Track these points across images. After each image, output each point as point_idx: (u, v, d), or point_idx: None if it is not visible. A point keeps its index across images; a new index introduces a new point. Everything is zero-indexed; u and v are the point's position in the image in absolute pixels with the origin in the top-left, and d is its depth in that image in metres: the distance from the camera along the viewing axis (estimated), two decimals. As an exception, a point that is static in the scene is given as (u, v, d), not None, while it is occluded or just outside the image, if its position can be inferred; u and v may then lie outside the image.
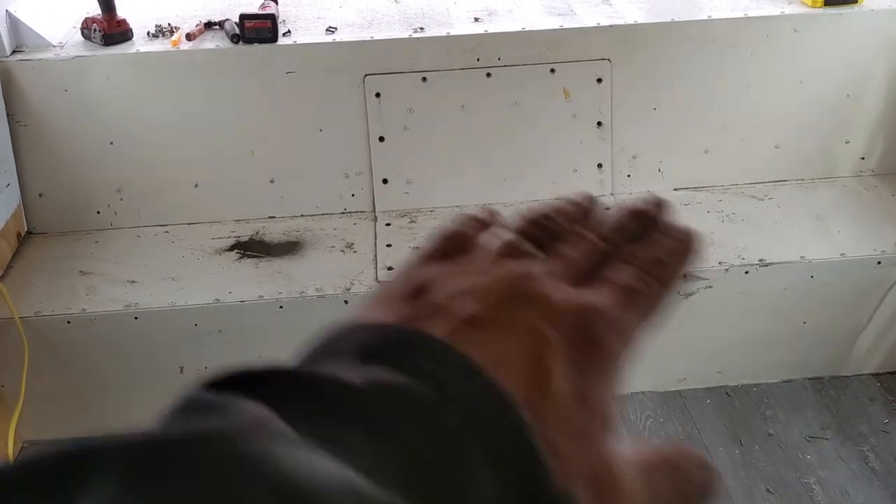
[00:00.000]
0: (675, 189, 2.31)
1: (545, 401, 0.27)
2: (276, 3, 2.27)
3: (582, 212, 0.36)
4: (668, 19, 2.19)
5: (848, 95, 2.27)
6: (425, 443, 0.24)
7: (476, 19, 2.24)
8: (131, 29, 2.17)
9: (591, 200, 0.37)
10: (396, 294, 0.32)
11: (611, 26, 2.17)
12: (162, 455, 0.19)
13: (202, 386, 0.24)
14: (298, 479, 0.20)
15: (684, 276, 0.34)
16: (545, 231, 0.34)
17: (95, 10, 2.15)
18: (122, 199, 2.21)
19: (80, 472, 0.19)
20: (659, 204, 0.36)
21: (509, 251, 0.33)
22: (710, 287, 2.01)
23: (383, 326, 0.29)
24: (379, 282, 1.98)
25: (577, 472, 0.27)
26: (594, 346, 0.29)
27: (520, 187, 2.26)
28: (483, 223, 0.36)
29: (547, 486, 0.25)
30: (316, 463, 0.21)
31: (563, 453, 0.26)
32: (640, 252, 0.33)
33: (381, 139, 2.21)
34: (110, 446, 0.19)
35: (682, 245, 0.34)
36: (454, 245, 0.34)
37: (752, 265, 2.01)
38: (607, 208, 0.36)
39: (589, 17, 2.22)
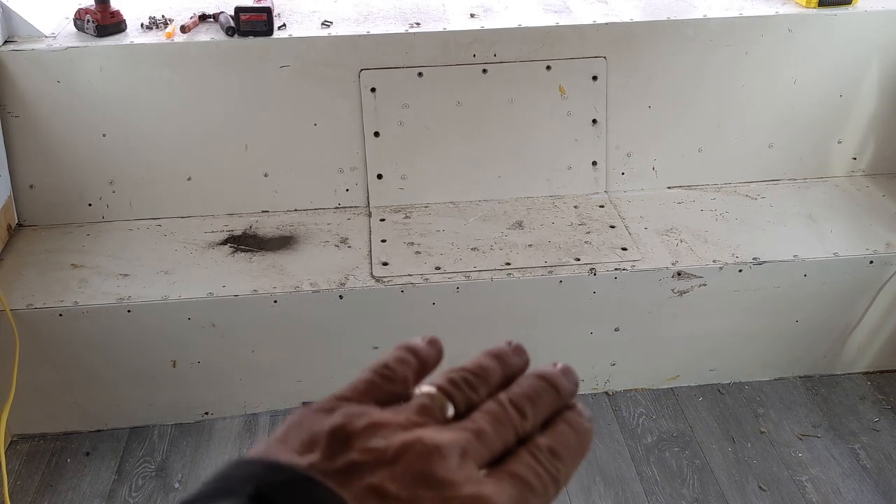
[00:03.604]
0: (669, 187, 2.31)
1: None
2: (272, -4, 2.26)
3: (504, 369, 0.38)
4: (664, 18, 2.20)
5: (841, 96, 2.28)
6: None
7: (472, 15, 2.24)
8: (125, 20, 2.15)
9: (519, 352, 0.39)
10: (312, 431, 0.32)
11: (607, 24, 2.17)
12: None
13: None
14: None
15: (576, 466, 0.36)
16: (467, 393, 0.36)
17: (89, 1, 2.13)
18: (114, 192, 2.19)
19: None
20: (568, 374, 0.38)
21: (429, 412, 0.34)
22: (704, 285, 2.02)
23: (289, 469, 0.28)
24: (374, 277, 1.98)
25: None
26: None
27: (514, 184, 2.26)
28: (417, 361, 0.38)
29: None
30: None
31: None
32: (544, 442, 0.35)
33: (377, 134, 2.20)
34: None
35: (581, 443, 0.36)
36: (383, 383, 0.36)
37: (745, 264, 2.02)
38: (528, 360, 0.39)
39: (585, 14, 2.22)
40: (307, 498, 0.27)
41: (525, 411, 0.35)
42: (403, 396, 0.36)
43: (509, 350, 0.39)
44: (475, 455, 0.32)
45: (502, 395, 0.36)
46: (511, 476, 0.33)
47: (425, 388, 0.35)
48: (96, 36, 2.11)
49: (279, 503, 0.27)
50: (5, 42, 2.10)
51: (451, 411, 0.35)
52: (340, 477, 0.30)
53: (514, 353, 0.39)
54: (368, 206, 2.25)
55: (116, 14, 2.13)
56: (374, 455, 0.31)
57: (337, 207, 2.25)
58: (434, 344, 0.39)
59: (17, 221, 2.18)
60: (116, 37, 2.13)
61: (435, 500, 0.30)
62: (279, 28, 2.15)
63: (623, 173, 2.29)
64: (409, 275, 1.98)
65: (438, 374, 0.37)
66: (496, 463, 0.34)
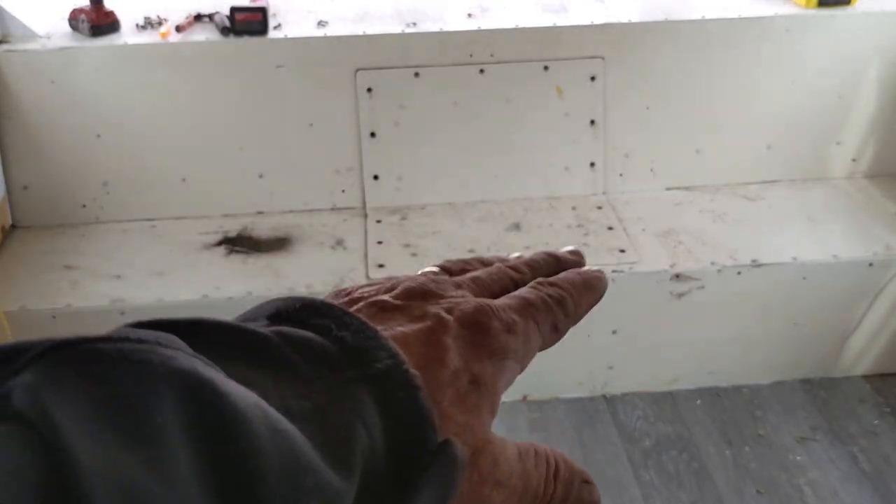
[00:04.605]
0: (667, 189, 2.30)
1: (440, 371, 0.31)
2: (267, -4, 2.24)
3: (499, 258, 0.40)
4: (662, 18, 2.18)
5: (840, 97, 2.27)
6: (322, 387, 0.28)
7: (469, 15, 2.23)
8: (119, 20, 2.14)
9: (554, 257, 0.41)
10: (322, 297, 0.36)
11: (604, 24, 2.16)
12: (84, 350, 0.23)
13: (128, 325, 0.26)
14: (212, 382, 0.23)
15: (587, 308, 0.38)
16: (461, 269, 0.39)
17: (83, 1, 2.11)
18: (108, 193, 2.17)
19: (13, 361, 0.22)
20: (575, 252, 0.41)
21: (424, 274, 0.37)
22: (702, 287, 2.01)
23: (295, 297, 0.32)
24: (370, 280, 1.96)
25: (458, 433, 0.30)
26: (486, 334, 0.33)
27: (511, 185, 2.24)
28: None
29: (432, 438, 0.29)
30: (225, 378, 0.24)
31: (451, 418, 0.30)
32: (545, 279, 0.37)
33: (373, 135, 2.19)
34: (41, 343, 0.23)
35: (584, 279, 0.38)
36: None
37: (744, 266, 2.00)
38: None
39: (583, 14, 2.21)
40: (318, 314, 0.30)
41: (521, 269, 0.38)
42: None
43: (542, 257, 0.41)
44: (469, 289, 0.36)
45: (499, 263, 0.39)
46: (510, 297, 0.35)
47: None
48: (91, 36, 2.09)
49: (294, 318, 0.30)
50: (-1, 42, 2.08)
51: (445, 276, 0.37)
52: (349, 305, 0.33)
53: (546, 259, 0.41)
54: (364, 207, 2.23)
55: (111, 14, 2.12)
56: (376, 287, 0.35)
57: (333, 209, 2.24)
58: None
59: (10, 222, 2.16)
60: (111, 37, 2.11)
61: (436, 307, 0.33)
62: (274, 28, 2.14)
63: (621, 174, 2.28)
64: (405, 277, 1.96)
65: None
66: None
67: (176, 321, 0.27)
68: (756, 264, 2.00)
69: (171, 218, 2.20)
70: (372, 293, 0.34)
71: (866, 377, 2.20)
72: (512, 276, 0.37)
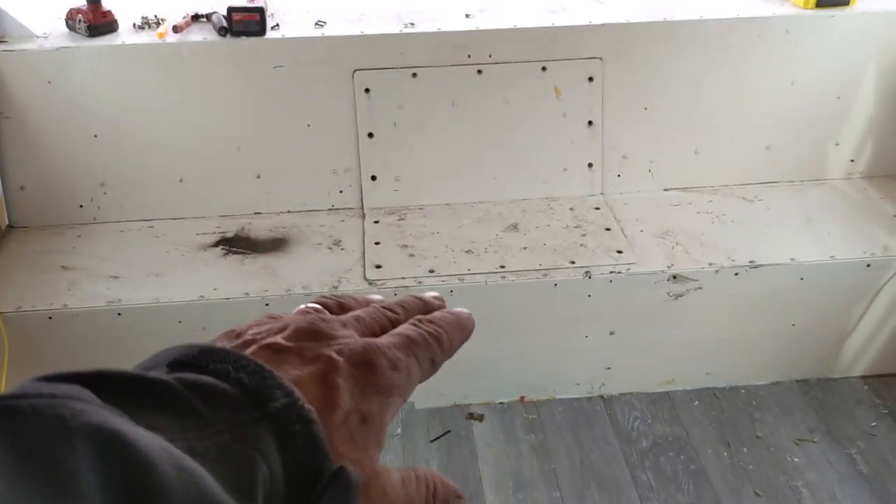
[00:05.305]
0: (665, 189, 2.30)
1: (333, 412, 0.34)
2: (265, -4, 2.24)
3: (366, 299, 0.44)
4: (661, 19, 2.18)
5: (838, 97, 2.27)
6: (222, 425, 0.30)
7: (467, 15, 2.22)
8: (117, 20, 2.13)
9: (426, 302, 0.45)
10: (214, 339, 0.39)
11: (603, 25, 2.15)
12: (1, 408, 0.24)
13: (36, 378, 0.27)
14: (120, 431, 0.25)
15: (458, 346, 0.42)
16: (339, 305, 0.42)
17: (80, 1, 2.11)
18: (105, 193, 2.17)
19: None
20: (438, 297, 0.44)
21: (307, 311, 0.40)
22: (700, 288, 2.00)
23: (193, 345, 0.34)
24: (367, 280, 1.96)
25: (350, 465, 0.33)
26: (374, 373, 0.36)
27: (510, 186, 2.24)
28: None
29: (327, 466, 0.31)
30: (132, 426, 0.26)
31: (344, 455, 0.33)
32: (422, 317, 0.41)
33: (370, 135, 2.18)
34: None
35: (457, 318, 0.42)
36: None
37: (741, 267, 2.00)
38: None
39: (581, 15, 2.21)
40: (216, 359, 0.32)
41: (396, 310, 0.41)
42: None
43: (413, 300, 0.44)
44: (354, 329, 0.38)
45: (375, 304, 0.43)
46: (392, 334, 0.39)
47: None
48: (88, 36, 2.09)
49: (193, 364, 0.32)
50: (-4, 42, 2.08)
51: (327, 314, 0.41)
52: (243, 347, 0.36)
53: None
54: (362, 207, 2.23)
55: (108, 14, 2.11)
56: (267, 328, 0.37)
57: (330, 209, 2.23)
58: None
59: (7, 223, 2.16)
60: (108, 37, 2.11)
61: (326, 348, 0.36)
62: (272, 28, 2.13)
63: (619, 175, 2.28)
64: (403, 277, 1.96)
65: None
66: None
67: (82, 373, 0.28)
68: (754, 265, 2.00)
69: (168, 218, 2.19)
70: (263, 334, 0.36)
71: (864, 378, 2.20)
72: (389, 316, 0.41)
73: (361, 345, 0.37)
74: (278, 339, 0.36)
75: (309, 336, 0.37)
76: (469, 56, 2.14)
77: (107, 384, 0.28)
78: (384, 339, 0.38)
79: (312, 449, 0.32)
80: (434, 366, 0.40)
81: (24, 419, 0.24)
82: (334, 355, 0.36)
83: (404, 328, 0.39)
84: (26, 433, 0.24)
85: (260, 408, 0.31)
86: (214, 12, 2.15)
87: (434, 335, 0.40)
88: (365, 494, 0.34)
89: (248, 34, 2.09)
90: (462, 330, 0.42)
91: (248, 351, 0.35)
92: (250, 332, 0.37)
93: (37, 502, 0.23)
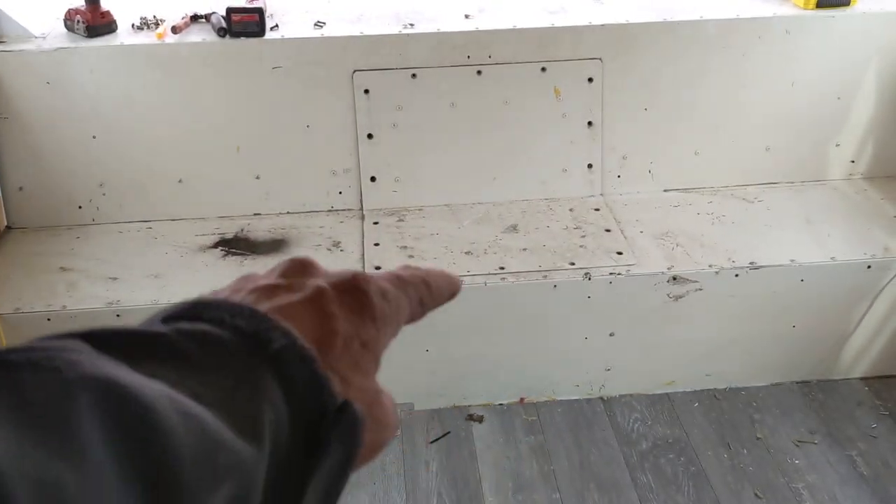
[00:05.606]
0: (665, 190, 2.29)
1: (334, 340, 0.35)
2: (264, -4, 2.23)
3: None
4: (661, 19, 2.17)
5: (839, 98, 2.26)
6: (223, 370, 0.30)
7: (467, 16, 2.22)
8: (115, 21, 2.13)
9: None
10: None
11: (602, 25, 2.15)
12: None
13: (34, 340, 0.28)
14: (117, 379, 0.25)
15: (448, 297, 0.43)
16: None
17: (79, 1, 2.10)
18: (104, 194, 2.17)
19: None
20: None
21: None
22: (700, 290, 2.00)
23: (186, 301, 0.34)
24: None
25: (357, 394, 0.34)
26: (364, 298, 0.37)
27: (509, 187, 2.24)
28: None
29: (331, 402, 0.32)
30: (130, 373, 0.26)
31: (350, 382, 0.35)
32: (411, 265, 0.43)
33: (370, 136, 2.18)
34: None
35: (443, 272, 0.44)
36: None
37: (742, 268, 1.99)
38: None
39: (581, 15, 2.20)
40: (210, 308, 0.33)
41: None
42: None
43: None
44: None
45: None
46: (381, 272, 0.41)
47: None
48: (86, 37, 2.08)
49: (188, 316, 0.33)
50: (-6, 42, 2.07)
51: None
52: (247, 293, 0.37)
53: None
54: (362, 208, 2.23)
55: (107, 14, 2.11)
56: (268, 272, 0.39)
57: (330, 210, 2.23)
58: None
59: (5, 224, 2.16)
60: (107, 37, 2.10)
61: (316, 280, 0.37)
62: (271, 29, 2.13)
63: (619, 176, 2.27)
64: (402, 279, 1.95)
65: None
66: None
67: (74, 332, 0.28)
68: (754, 266, 2.00)
69: (167, 219, 2.19)
70: (261, 278, 0.38)
71: (865, 379, 2.20)
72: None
73: (350, 273, 0.38)
74: (270, 280, 0.37)
75: (298, 270, 0.38)
76: (468, 57, 2.14)
77: (101, 342, 0.28)
78: (373, 273, 0.40)
79: (314, 387, 0.32)
80: (423, 306, 0.41)
81: (21, 372, 0.24)
82: (322, 283, 0.37)
83: (397, 268, 0.41)
84: (23, 386, 0.24)
85: (260, 350, 0.32)
86: (213, 13, 2.15)
87: (422, 278, 0.41)
88: (372, 416, 0.35)
89: (248, 35, 2.08)
90: (450, 281, 0.43)
91: (241, 296, 0.36)
92: (236, 285, 0.38)
93: (39, 453, 0.23)
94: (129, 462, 0.25)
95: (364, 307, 0.37)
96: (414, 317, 0.41)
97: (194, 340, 0.31)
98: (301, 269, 0.38)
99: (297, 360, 0.32)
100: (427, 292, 0.41)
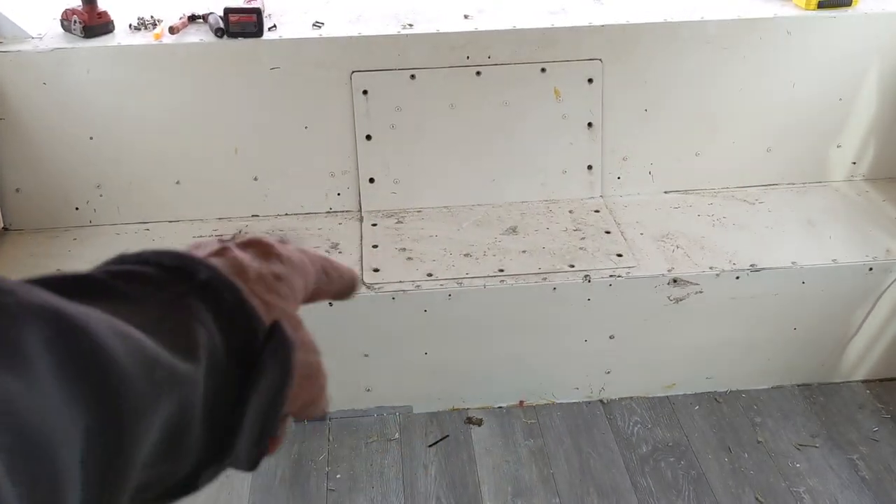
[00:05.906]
0: (666, 192, 2.28)
1: (245, 272, 0.40)
2: (262, -4, 2.22)
3: None
4: (661, 20, 2.16)
5: (840, 99, 2.25)
6: (152, 299, 0.34)
7: (466, 16, 2.20)
8: (112, 21, 2.11)
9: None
10: None
11: (603, 26, 2.14)
12: None
13: None
14: (57, 305, 0.28)
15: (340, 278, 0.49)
16: None
17: (76, 2, 2.09)
18: (101, 196, 2.15)
19: None
20: None
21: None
22: (701, 292, 1.98)
23: (126, 254, 0.39)
24: (365, 283, 1.94)
25: (281, 317, 0.39)
26: (264, 244, 0.44)
27: (509, 188, 2.22)
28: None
29: (261, 327, 0.37)
30: (69, 303, 0.29)
31: (273, 305, 0.40)
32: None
33: (368, 137, 2.16)
34: None
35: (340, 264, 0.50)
36: None
37: (742, 270, 1.98)
38: None
39: (581, 16, 2.19)
40: (132, 256, 0.37)
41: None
42: None
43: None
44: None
45: None
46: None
47: None
48: (83, 37, 2.07)
49: (114, 262, 0.37)
50: (-10, 43, 2.06)
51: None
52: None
53: None
54: (360, 210, 2.21)
55: (104, 15, 2.09)
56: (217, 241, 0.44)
57: (328, 212, 2.22)
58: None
59: (2, 225, 2.14)
60: (104, 38, 2.09)
61: (224, 243, 0.42)
62: (269, 29, 2.12)
63: (619, 177, 2.26)
64: (401, 281, 1.94)
65: None
66: None
67: (13, 280, 0.31)
68: (755, 269, 1.99)
69: (164, 221, 2.18)
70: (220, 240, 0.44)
71: (866, 383, 2.18)
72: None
73: (250, 236, 0.44)
74: (193, 244, 0.43)
75: (207, 244, 0.43)
76: (468, 57, 2.13)
77: (39, 286, 0.31)
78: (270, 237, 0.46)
79: (241, 310, 0.36)
80: (327, 276, 0.46)
81: None
82: (229, 244, 0.43)
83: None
84: None
85: (187, 281, 0.36)
86: (211, 13, 2.14)
87: (321, 255, 0.47)
88: (300, 338, 0.41)
89: (245, 35, 2.07)
90: (348, 272, 0.49)
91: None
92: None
93: None
94: (74, 375, 0.27)
95: (268, 252, 0.43)
96: (319, 282, 0.45)
97: (121, 278, 0.34)
98: (212, 243, 0.43)
99: (224, 288, 0.36)
100: (329, 264, 0.47)
